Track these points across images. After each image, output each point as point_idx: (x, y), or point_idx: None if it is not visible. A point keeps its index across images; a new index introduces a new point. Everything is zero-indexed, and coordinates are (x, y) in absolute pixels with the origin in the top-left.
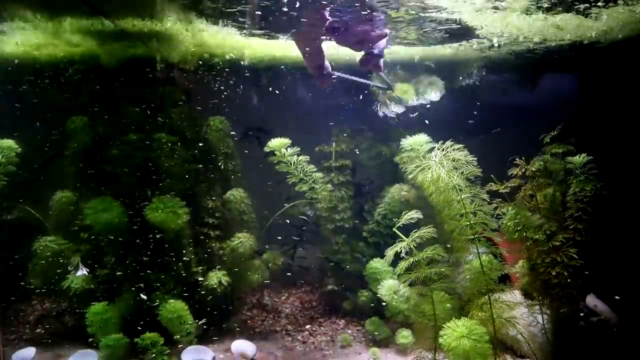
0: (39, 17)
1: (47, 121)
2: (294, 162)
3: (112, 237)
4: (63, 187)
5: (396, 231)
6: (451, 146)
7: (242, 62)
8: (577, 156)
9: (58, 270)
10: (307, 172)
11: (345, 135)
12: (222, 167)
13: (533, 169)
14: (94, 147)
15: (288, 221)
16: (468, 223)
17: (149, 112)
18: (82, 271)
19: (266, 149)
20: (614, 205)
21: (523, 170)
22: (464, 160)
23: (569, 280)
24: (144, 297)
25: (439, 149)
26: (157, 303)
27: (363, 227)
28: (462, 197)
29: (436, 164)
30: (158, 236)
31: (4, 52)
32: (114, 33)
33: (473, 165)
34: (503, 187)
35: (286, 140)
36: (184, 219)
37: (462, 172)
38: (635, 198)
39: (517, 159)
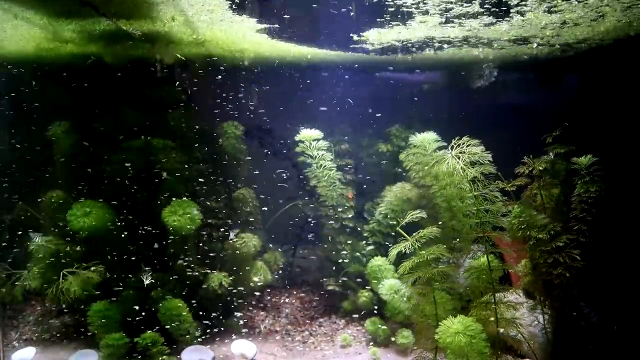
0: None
1: (44, 122)
2: (317, 156)
3: (99, 241)
4: (56, 188)
5: (400, 230)
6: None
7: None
8: (583, 157)
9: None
10: (326, 169)
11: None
12: (230, 169)
13: (540, 168)
14: (92, 150)
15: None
16: (478, 220)
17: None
18: None
19: (296, 138)
20: (618, 206)
21: (530, 169)
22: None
23: (571, 281)
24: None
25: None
26: (156, 302)
27: (363, 227)
28: (475, 194)
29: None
30: (168, 240)
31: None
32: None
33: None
34: (510, 185)
35: (317, 133)
36: (198, 224)
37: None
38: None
39: (525, 157)
